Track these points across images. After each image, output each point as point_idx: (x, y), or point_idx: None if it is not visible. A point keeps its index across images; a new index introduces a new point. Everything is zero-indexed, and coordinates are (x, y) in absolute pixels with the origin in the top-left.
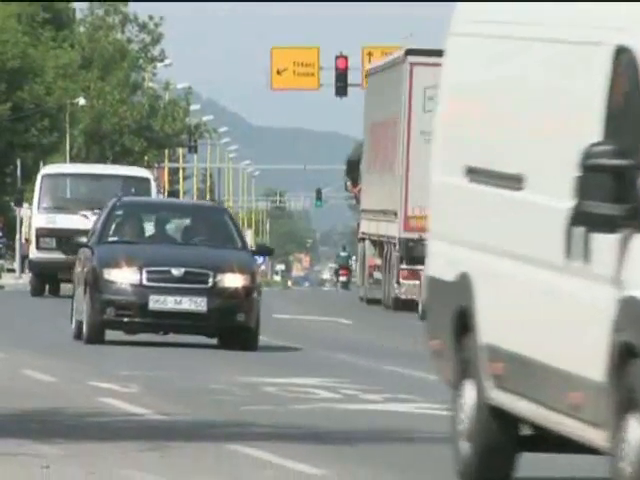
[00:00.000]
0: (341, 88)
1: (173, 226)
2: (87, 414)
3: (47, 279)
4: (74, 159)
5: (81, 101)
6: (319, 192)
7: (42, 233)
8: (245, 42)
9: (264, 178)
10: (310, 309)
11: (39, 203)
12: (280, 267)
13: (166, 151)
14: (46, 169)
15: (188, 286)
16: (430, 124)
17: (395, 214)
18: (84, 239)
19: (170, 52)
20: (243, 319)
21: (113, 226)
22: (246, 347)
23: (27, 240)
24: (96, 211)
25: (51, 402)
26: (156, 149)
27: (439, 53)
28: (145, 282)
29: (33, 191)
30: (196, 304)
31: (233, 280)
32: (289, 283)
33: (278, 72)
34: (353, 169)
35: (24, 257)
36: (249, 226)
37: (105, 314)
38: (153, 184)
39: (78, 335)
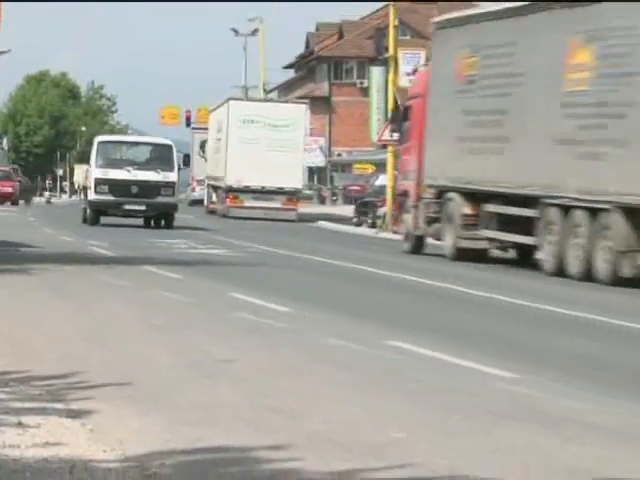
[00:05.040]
0: (187, 124)
1: None
2: (84, 253)
3: (100, 213)
4: (80, 154)
5: (83, 128)
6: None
7: (99, 182)
8: (149, 100)
9: None
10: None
11: (96, 161)
12: None
13: None
14: (100, 138)
15: None
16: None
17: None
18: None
19: (120, 107)
20: None
21: None
22: None
23: (85, 187)
24: (135, 166)
25: (69, 249)
26: None
27: (201, 128)
28: None
29: (77, 158)
30: None
31: None
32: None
33: (163, 117)
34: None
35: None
36: None
37: None
38: (174, 149)
39: None
